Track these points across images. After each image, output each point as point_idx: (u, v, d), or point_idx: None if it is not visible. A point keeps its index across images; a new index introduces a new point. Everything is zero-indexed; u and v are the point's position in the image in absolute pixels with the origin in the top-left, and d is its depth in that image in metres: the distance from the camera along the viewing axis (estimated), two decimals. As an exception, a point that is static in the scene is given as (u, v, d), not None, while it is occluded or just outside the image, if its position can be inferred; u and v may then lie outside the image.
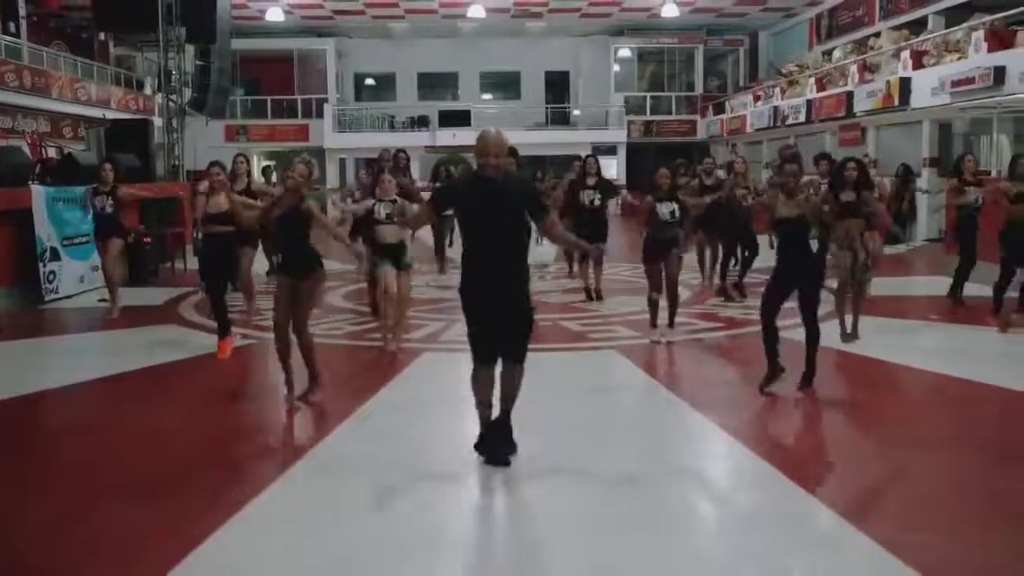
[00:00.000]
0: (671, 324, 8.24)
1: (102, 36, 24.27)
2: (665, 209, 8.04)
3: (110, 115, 20.61)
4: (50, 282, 10.85)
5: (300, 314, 6.16)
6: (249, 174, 9.45)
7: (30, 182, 11.54)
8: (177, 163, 17.64)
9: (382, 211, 7.69)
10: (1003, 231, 8.56)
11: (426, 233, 12.85)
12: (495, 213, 4.62)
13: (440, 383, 6.85)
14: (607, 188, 10.64)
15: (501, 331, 4.73)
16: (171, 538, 3.93)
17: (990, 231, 9.12)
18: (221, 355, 7.76)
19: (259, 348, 8.36)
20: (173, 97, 18.02)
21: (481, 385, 4.82)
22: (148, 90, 25.74)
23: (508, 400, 4.87)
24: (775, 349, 6.30)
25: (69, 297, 11.07)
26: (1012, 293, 8.62)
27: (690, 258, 12.22)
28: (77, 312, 10.56)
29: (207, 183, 8.05)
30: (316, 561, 3.78)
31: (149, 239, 9.74)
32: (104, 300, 10.59)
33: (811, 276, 6.27)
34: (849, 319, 7.85)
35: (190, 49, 18.97)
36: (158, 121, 18.90)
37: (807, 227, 6.25)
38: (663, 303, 8.21)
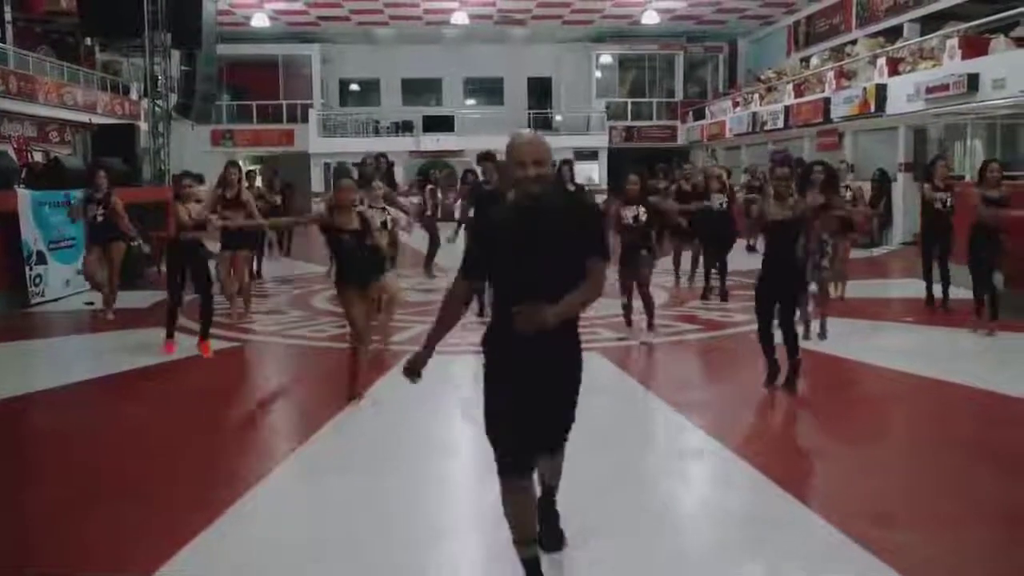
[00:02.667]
0: (651, 327, 8.39)
1: (88, 41, 24.24)
2: (629, 213, 8.17)
3: (96, 120, 20.59)
4: (36, 285, 10.94)
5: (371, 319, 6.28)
6: (240, 181, 9.56)
7: (16, 186, 11.65)
8: (163, 168, 17.70)
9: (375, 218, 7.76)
10: (971, 234, 8.65)
11: (419, 240, 12.92)
12: (535, 246, 3.17)
13: (426, 383, 6.98)
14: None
15: (545, 414, 3.34)
16: (159, 537, 3.99)
17: (961, 234, 9.30)
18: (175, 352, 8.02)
19: (244, 351, 8.50)
20: (159, 102, 18.06)
21: (521, 508, 3.33)
22: (134, 95, 25.70)
23: (556, 477, 3.73)
24: (772, 348, 6.53)
25: (55, 300, 11.16)
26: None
27: (667, 261, 12.48)
28: (63, 315, 10.64)
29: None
30: (303, 558, 3.86)
31: (139, 242, 9.87)
32: (90, 303, 10.70)
33: (794, 278, 6.51)
34: (816, 322, 8.10)
35: (176, 55, 19.03)
36: (144, 126, 18.93)
37: (797, 230, 6.43)
38: (637, 305, 8.37)
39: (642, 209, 8.17)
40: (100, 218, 9.91)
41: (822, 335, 8.08)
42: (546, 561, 3.56)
